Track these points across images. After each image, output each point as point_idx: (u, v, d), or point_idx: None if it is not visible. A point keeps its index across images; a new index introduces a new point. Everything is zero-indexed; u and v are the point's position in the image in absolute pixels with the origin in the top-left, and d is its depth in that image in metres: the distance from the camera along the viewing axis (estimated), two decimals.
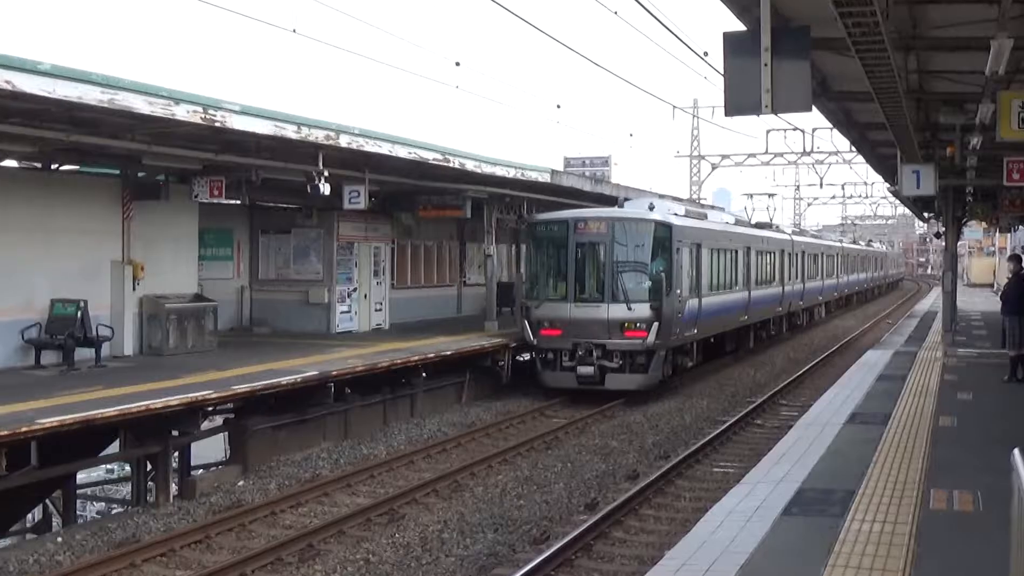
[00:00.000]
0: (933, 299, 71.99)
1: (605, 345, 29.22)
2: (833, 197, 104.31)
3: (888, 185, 41.75)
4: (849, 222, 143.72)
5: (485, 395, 30.03)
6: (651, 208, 31.78)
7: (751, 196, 62.75)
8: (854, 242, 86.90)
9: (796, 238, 52.55)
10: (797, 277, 50.16)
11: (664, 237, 29.95)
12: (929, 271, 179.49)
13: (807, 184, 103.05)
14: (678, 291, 30.33)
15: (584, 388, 29.36)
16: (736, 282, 38.06)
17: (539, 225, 30.86)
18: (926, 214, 49.13)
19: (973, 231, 79.22)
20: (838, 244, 70.87)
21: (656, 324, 29.14)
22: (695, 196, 75.16)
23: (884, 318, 63.14)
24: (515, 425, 26.19)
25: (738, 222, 42.96)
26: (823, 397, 21.95)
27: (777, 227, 52.99)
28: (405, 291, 35.78)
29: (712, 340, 35.96)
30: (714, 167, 73.02)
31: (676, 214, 32.99)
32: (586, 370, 29.14)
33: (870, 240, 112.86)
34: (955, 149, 22.35)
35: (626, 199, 35.13)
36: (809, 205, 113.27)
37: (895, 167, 26.68)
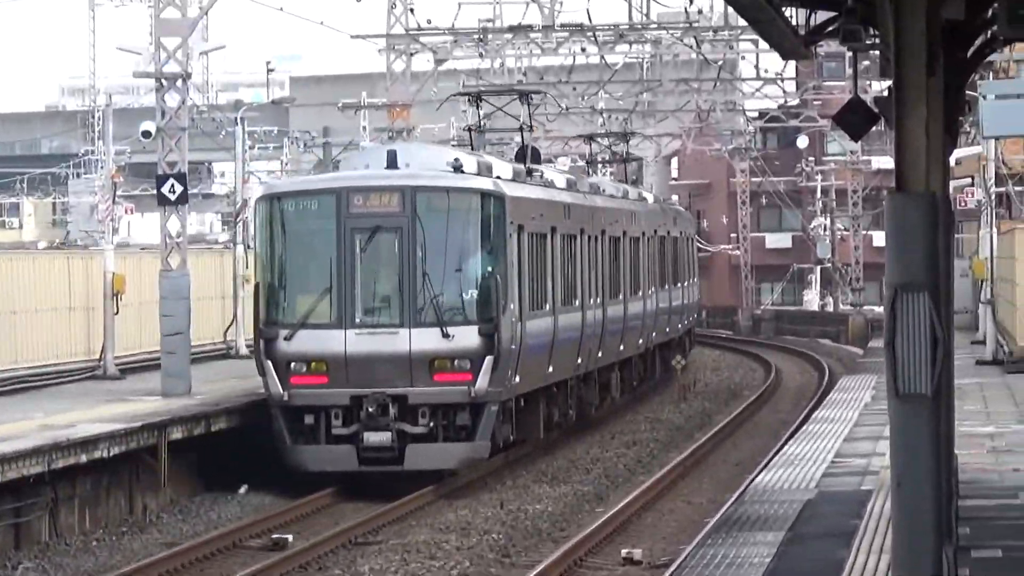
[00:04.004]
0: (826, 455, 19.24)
1: (406, 396, 20.26)
2: None
3: None
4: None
5: None
6: (457, 168, 21.35)
7: None
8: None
9: (648, 205, 35.55)
10: (641, 286, 32.62)
11: (494, 216, 20.85)
12: (811, 297, 69.63)
13: None
14: (512, 306, 21.07)
15: (371, 469, 20.16)
16: (579, 293, 26.18)
17: (285, 200, 20.72)
18: (807, 14, 11.88)
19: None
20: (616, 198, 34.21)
21: (489, 359, 20.34)
22: None
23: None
24: None
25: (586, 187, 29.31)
26: None
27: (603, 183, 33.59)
28: None
29: (542, 396, 24.13)
30: None
31: (500, 176, 22.62)
32: (377, 438, 19.89)
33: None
34: None
35: (393, 150, 22.00)
36: None
37: None
